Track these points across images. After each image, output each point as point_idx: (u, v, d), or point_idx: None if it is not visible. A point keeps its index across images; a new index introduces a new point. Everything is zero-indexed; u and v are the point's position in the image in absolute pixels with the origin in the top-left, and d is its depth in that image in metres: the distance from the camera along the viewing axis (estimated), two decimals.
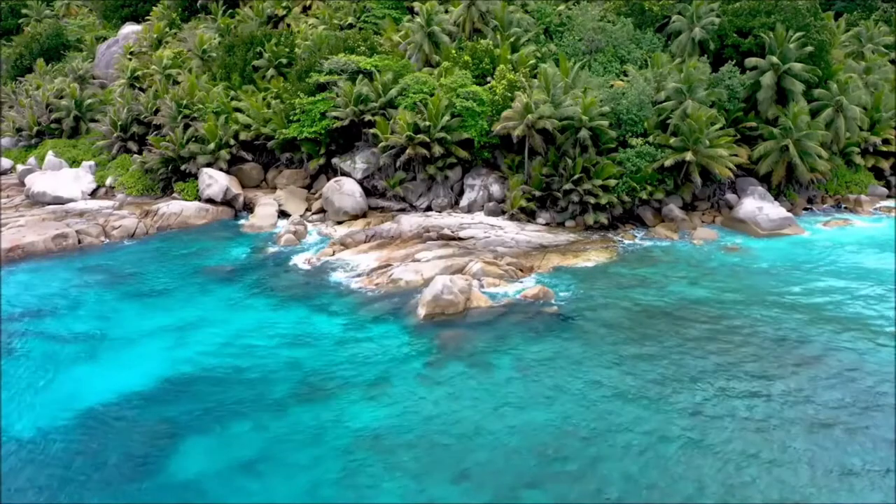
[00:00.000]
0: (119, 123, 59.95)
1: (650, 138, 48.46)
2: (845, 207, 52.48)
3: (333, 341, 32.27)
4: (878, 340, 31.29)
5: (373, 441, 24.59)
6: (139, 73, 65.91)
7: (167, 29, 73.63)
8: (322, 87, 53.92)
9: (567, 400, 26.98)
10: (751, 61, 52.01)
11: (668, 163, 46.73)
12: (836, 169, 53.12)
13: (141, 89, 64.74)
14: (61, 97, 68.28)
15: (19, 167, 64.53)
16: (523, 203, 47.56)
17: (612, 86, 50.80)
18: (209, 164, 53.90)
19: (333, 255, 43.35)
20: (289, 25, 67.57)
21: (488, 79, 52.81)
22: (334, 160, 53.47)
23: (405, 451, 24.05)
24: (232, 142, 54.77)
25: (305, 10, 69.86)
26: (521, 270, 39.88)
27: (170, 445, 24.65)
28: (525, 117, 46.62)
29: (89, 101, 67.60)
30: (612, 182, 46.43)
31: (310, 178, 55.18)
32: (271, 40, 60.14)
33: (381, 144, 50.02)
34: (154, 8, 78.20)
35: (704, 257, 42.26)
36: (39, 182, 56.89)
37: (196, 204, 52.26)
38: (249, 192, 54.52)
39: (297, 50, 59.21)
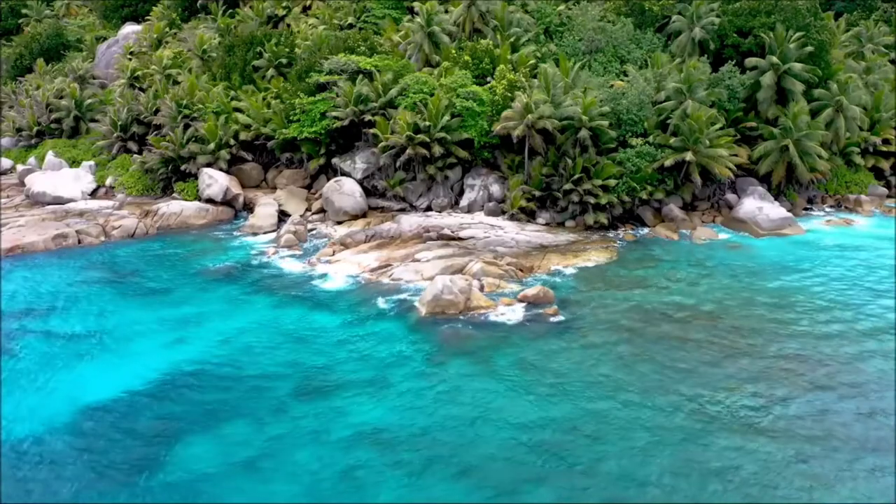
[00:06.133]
0: (119, 123, 59.95)
1: (650, 138, 48.48)
2: (845, 207, 52.56)
3: (334, 340, 32.27)
4: (877, 342, 31.29)
5: (374, 438, 24.59)
6: (139, 73, 65.92)
7: (167, 29, 73.70)
8: (322, 87, 53.93)
9: (567, 398, 26.98)
10: (751, 61, 52.04)
11: (668, 163, 46.75)
12: (836, 169, 53.20)
13: (141, 89, 64.75)
14: (61, 97, 68.30)
15: (19, 167, 64.57)
16: (523, 203, 47.56)
17: (612, 86, 50.81)
18: (209, 164, 53.89)
19: (333, 254, 43.33)
20: (289, 25, 67.60)
21: (488, 79, 52.83)
22: (334, 160, 53.46)
23: (407, 447, 24.05)
24: (232, 142, 54.76)
25: (305, 10, 69.92)
26: (521, 270, 39.86)
27: (170, 444, 24.62)
28: (525, 117, 46.62)
29: (89, 101, 67.63)
30: (612, 182, 46.43)
31: (310, 178, 55.18)
32: (271, 40, 60.16)
33: (381, 144, 50.01)
34: (154, 8, 78.33)
35: (704, 257, 42.25)
36: (39, 182, 56.90)
37: (196, 204, 52.26)
38: (249, 192, 54.51)
39: (297, 50, 59.23)
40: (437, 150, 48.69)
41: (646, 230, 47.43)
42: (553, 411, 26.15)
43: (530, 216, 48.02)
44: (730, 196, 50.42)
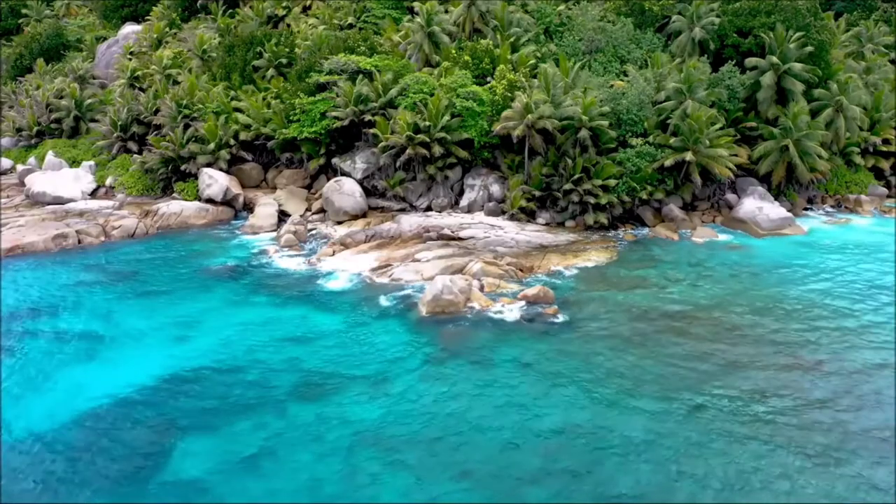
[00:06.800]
0: (119, 123, 59.95)
1: (650, 138, 48.49)
2: (845, 207, 52.63)
3: (334, 340, 32.27)
4: (878, 343, 31.31)
5: (374, 438, 24.58)
6: (139, 73, 65.94)
7: (167, 29, 73.71)
8: (322, 87, 53.94)
9: (567, 398, 26.97)
10: (751, 61, 52.05)
11: (668, 163, 46.76)
12: (836, 169, 53.24)
13: (141, 89, 64.76)
14: (61, 97, 68.30)
15: (19, 167, 64.58)
16: (523, 203, 47.57)
17: (612, 86, 50.83)
18: (209, 164, 53.89)
19: (333, 254, 43.34)
20: (289, 25, 67.61)
21: (488, 79, 52.84)
22: (334, 160, 53.47)
23: (407, 448, 24.04)
24: (232, 142, 54.76)
25: (305, 10, 69.93)
26: (521, 270, 39.87)
27: (171, 444, 24.63)
28: (525, 117, 46.62)
29: (89, 101, 67.64)
30: (612, 182, 46.44)
31: (310, 178, 55.18)
32: (271, 40, 60.17)
33: (381, 144, 50.02)
34: (154, 8, 78.38)
35: (704, 258, 42.25)
36: (39, 182, 56.90)
37: (196, 204, 52.26)
38: (249, 192, 54.52)
39: (297, 50, 59.25)
40: (437, 150, 48.69)
41: (646, 230, 47.44)
42: (554, 411, 26.14)
43: (530, 216, 48.03)
44: (730, 196, 50.44)
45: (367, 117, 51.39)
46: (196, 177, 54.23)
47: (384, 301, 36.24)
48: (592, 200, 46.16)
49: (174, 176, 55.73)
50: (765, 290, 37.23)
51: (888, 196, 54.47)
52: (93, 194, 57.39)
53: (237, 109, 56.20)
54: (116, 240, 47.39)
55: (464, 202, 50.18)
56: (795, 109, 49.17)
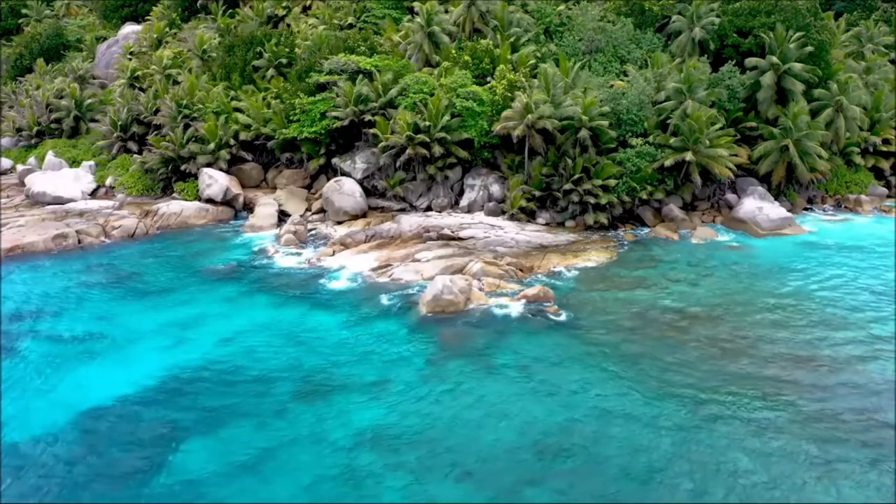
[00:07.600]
0: (119, 123, 59.94)
1: (650, 138, 48.49)
2: (845, 207, 52.63)
3: (334, 340, 32.28)
4: (876, 344, 31.30)
5: (374, 439, 24.59)
6: (139, 73, 65.92)
7: (167, 29, 73.70)
8: (322, 87, 53.93)
9: (567, 398, 26.97)
10: (751, 61, 52.05)
11: (668, 163, 46.76)
12: (836, 169, 53.24)
13: (141, 89, 64.75)
14: (61, 97, 68.28)
15: (19, 167, 64.56)
16: (523, 203, 47.57)
17: (612, 86, 50.82)
18: (209, 164, 53.88)
19: (333, 255, 43.34)
20: (289, 25, 67.60)
21: (488, 79, 52.84)
22: (334, 160, 53.47)
23: (407, 449, 24.05)
24: (232, 142, 54.75)
25: (305, 10, 69.92)
26: (521, 270, 39.87)
27: (171, 445, 24.62)
28: (525, 117, 46.62)
29: (89, 101, 67.62)
30: (612, 182, 46.45)
31: (310, 178, 55.18)
32: (271, 40, 60.17)
33: (381, 144, 50.02)
34: (154, 8, 78.36)
35: (704, 258, 42.26)
36: (39, 182, 56.88)
37: (196, 204, 52.26)
38: (249, 192, 54.51)
39: (297, 50, 59.25)
40: (437, 150, 48.69)
41: (646, 230, 47.44)
42: (553, 411, 26.14)
43: (530, 216, 48.03)
44: (730, 196, 50.44)
45: (367, 117, 51.39)
46: (196, 177, 54.23)
47: (384, 301, 36.24)
48: (592, 200, 46.17)
49: (174, 176, 55.72)
50: (765, 290, 37.21)
51: (888, 196, 54.47)
52: (93, 194, 57.37)
53: (237, 109, 56.19)
54: (116, 240, 47.37)
55: (464, 202, 50.18)
56: (795, 109, 49.17)
